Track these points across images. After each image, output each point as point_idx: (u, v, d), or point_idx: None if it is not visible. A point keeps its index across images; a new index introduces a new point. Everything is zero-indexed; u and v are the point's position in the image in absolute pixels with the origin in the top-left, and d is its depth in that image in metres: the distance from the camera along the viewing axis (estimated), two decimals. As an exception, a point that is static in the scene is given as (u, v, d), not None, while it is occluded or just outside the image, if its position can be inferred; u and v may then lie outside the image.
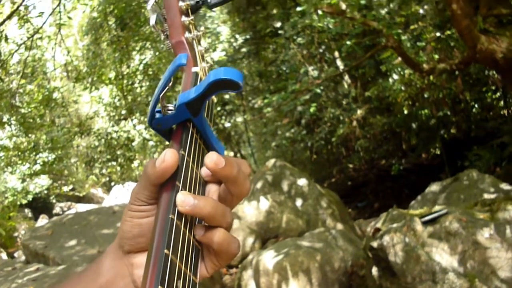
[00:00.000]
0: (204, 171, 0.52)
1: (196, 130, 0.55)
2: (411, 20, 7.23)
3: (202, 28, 0.70)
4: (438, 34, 6.90)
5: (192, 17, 0.69)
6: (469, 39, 5.19)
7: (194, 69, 0.62)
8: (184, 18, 0.67)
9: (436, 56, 6.84)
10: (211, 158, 0.49)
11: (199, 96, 0.51)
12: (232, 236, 0.50)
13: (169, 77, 0.52)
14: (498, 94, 7.55)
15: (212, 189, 0.53)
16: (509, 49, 5.09)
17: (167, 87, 0.53)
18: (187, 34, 0.66)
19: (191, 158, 0.52)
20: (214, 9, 0.72)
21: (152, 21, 0.64)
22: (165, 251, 0.43)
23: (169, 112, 0.54)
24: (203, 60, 0.67)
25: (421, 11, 7.56)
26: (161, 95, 0.53)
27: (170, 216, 0.45)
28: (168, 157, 0.48)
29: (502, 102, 7.61)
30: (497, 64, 5.26)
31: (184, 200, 0.46)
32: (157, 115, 0.55)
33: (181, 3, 0.68)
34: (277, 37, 8.83)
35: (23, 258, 6.96)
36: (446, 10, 5.76)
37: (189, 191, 0.49)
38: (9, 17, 6.97)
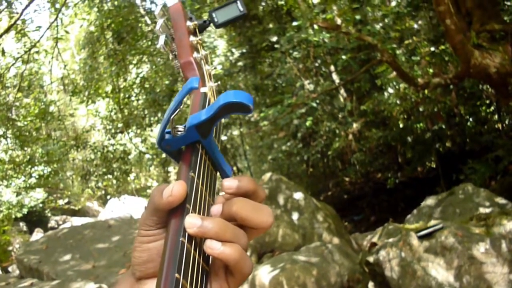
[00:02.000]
0: (216, 210, 0.52)
1: (205, 151, 0.56)
2: (405, 35, 7.30)
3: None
4: (432, 48, 6.97)
5: (200, 37, 0.70)
6: (462, 53, 5.25)
7: (202, 89, 0.63)
8: (192, 38, 0.68)
9: (431, 71, 6.89)
10: (223, 186, 0.53)
11: (209, 118, 0.52)
12: (247, 255, 0.50)
13: (181, 100, 0.53)
14: (492, 108, 7.61)
15: None
16: (502, 64, 5.15)
17: (178, 110, 0.53)
18: (195, 54, 0.66)
19: (200, 180, 0.52)
20: (210, 24, 0.73)
21: (161, 41, 0.64)
22: (176, 275, 0.43)
23: (179, 133, 0.55)
24: (210, 80, 0.68)
25: (415, 26, 7.64)
26: (171, 117, 0.53)
27: (180, 239, 0.46)
28: (175, 191, 0.48)
29: (496, 116, 7.66)
30: (491, 79, 5.31)
31: (191, 222, 0.47)
32: (167, 136, 0.55)
33: (188, 23, 0.69)
34: (273, 51, 8.89)
35: (17, 272, 6.89)
36: (440, 25, 5.83)
37: (199, 213, 0.49)
38: (7, 31, 7.00)
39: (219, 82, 0.70)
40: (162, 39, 0.65)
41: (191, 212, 0.48)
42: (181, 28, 0.68)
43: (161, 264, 0.45)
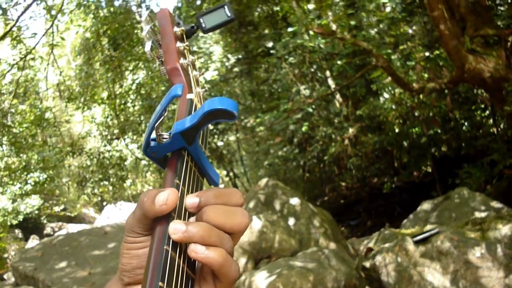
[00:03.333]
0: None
1: (191, 158, 0.55)
2: (400, 40, 7.35)
3: (195, 50, 0.70)
4: (427, 53, 7.01)
5: (187, 43, 0.70)
6: (457, 58, 5.28)
7: (189, 96, 0.62)
8: (179, 44, 0.67)
9: (426, 75, 6.93)
10: (185, 204, 0.50)
11: (194, 125, 0.52)
12: (232, 259, 0.50)
13: (164, 107, 0.52)
14: (487, 112, 7.64)
15: None
16: (496, 69, 5.19)
17: (162, 117, 0.53)
18: (182, 60, 0.66)
19: (185, 187, 0.52)
20: (198, 29, 0.72)
21: (148, 47, 0.64)
22: (160, 283, 0.43)
23: (164, 140, 0.54)
24: (198, 85, 0.67)
25: (410, 31, 7.69)
26: (156, 124, 0.53)
27: (164, 247, 0.45)
28: (170, 201, 0.48)
29: (491, 120, 7.69)
30: (485, 83, 5.35)
31: (176, 227, 0.46)
32: (152, 143, 0.55)
33: (176, 29, 0.69)
34: (269, 56, 8.91)
35: (12, 280, 6.85)
36: (435, 30, 5.87)
37: (184, 220, 0.49)
38: (2, 38, 7.00)
39: (206, 88, 0.69)
40: (148, 45, 0.64)
41: (176, 219, 0.48)
42: (168, 34, 0.67)
43: (145, 273, 0.45)
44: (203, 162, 0.57)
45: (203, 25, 0.72)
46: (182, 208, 0.50)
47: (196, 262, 0.51)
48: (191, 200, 0.50)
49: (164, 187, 0.51)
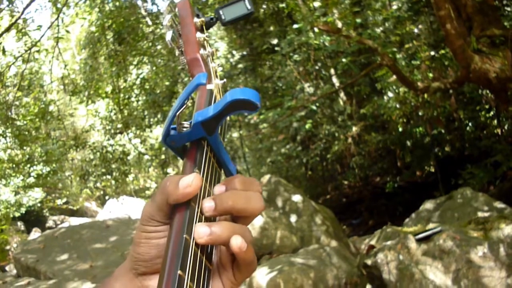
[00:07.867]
0: (208, 206, 0.50)
1: (210, 148, 0.55)
2: (406, 39, 7.32)
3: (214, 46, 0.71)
4: (432, 53, 6.98)
5: (206, 34, 0.70)
6: (462, 58, 5.26)
7: (208, 86, 0.62)
8: (199, 35, 0.67)
9: (431, 75, 6.91)
10: (203, 208, 0.49)
11: (216, 115, 0.51)
12: (253, 250, 0.50)
13: (188, 95, 0.52)
14: (492, 113, 7.61)
15: None
16: (502, 69, 5.16)
17: (184, 106, 0.52)
18: (202, 51, 0.66)
19: (205, 177, 0.51)
20: (217, 21, 0.73)
21: (168, 37, 0.64)
22: (179, 272, 0.42)
23: (184, 129, 0.54)
24: (216, 77, 0.67)
25: (415, 30, 7.66)
26: (178, 113, 0.52)
27: (184, 236, 0.45)
28: (195, 183, 0.47)
29: (495, 121, 7.66)
30: (490, 84, 5.32)
31: (200, 231, 0.46)
32: (172, 132, 0.54)
33: (196, 20, 0.69)
34: (273, 54, 8.90)
35: (14, 271, 6.88)
36: (440, 30, 5.85)
37: (202, 211, 0.49)
38: (7, 30, 7.01)
39: (225, 80, 0.69)
40: (169, 34, 0.64)
41: (196, 210, 0.48)
42: (188, 25, 0.68)
43: (163, 262, 0.44)
44: (222, 154, 0.57)
45: (223, 17, 0.73)
46: (202, 198, 0.50)
47: (214, 253, 0.51)
48: (208, 204, 0.49)
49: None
